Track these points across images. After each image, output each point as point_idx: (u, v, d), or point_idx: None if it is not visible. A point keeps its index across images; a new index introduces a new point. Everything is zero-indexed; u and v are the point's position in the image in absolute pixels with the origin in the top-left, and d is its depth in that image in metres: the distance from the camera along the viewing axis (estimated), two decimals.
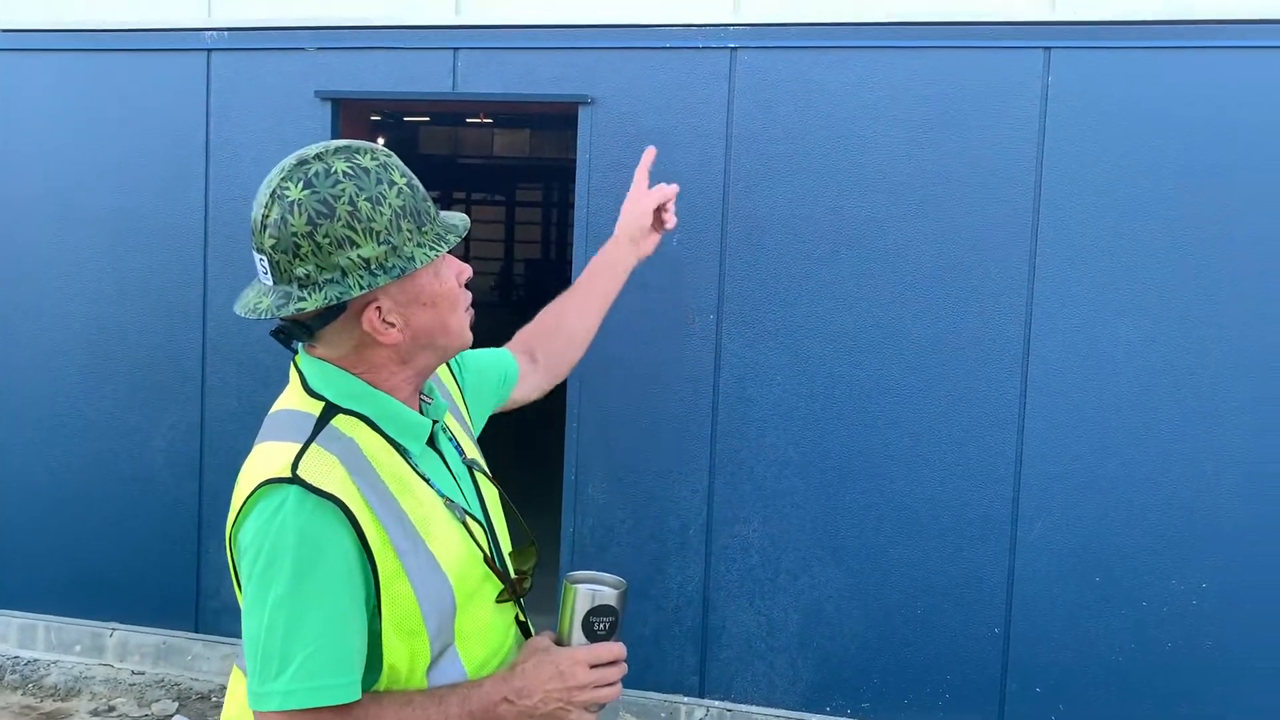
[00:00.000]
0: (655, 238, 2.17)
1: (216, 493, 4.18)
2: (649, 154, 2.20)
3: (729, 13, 3.66)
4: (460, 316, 1.48)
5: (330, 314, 1.39)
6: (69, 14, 4.24)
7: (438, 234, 1.41)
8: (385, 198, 1.37)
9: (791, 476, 3.67)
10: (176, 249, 4.19)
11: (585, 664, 1.43)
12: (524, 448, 5.67)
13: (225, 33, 4.09)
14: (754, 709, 3.75)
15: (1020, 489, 3.51)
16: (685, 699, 3.81)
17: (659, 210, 2.16)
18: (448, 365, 1.72)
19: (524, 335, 2.01)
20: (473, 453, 1.64)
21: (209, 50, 4.10)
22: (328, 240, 1.35)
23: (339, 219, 1.35)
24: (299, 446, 1.35)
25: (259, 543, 1.31)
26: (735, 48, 3.65)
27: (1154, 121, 3.36)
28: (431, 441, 1.53)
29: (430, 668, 1.40)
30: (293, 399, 1.45)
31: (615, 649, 1.46)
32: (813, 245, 3.62)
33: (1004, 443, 3.51)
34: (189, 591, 4.25)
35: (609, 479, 3.83)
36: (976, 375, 3.52)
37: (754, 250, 3.66)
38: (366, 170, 1.38)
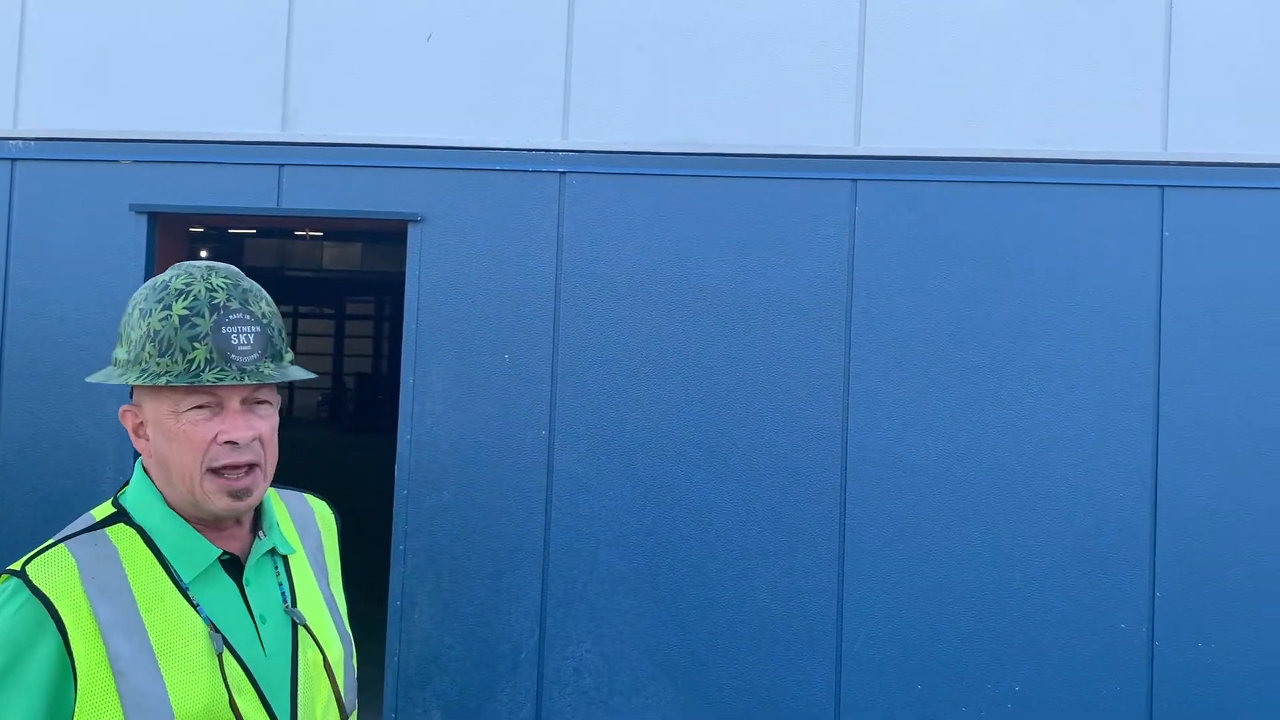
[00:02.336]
0: None
1: None
2: None
3: (558, 139, 3.77)
4: (192, 465, 1.41)
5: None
6: None
7: (177, 371, 1.39)
8: (151, 314, 1.42)
9: (624, 594, 3.66)
10: None
11: None
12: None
13: (33, 142, 3.93)
14: None
15: (843, 600, 3.60)
16: None
17: None
18: (336, 526, 1.67)
19: None
20: (315, 609, 1.54)
21: (14, 160, 3.92)
22: (120, 330, 1.48)
23: (124, 317, 1.47)
24: (51, 543, 1.38)
25: None
26: (564, 172, 3.75)
27: (944, 247, 3.63)
28: (239, 573, 1.46)
29: None
30: (108, 502, 1.49)
31: None
32: (641, 361, 3.69)
33: (827, 554, 3.61)
34: None
35: (437, 603, 3.72)
36: (800, 487, 3.63)
37: (585, 366, 3.71)
38: (166, 287, 1.44)
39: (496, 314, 3.74)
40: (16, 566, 1.35)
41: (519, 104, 3.80)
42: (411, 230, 3.79)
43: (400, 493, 3.74)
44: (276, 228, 11.88)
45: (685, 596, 3.64)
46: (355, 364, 19.04)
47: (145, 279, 3.85)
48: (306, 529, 1.60)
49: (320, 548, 1.62)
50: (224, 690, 1.37)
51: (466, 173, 3.79)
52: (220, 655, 1.38)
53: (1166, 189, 3.60)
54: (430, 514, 3.72)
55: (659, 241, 3.71)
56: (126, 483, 1.50)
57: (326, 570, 1.61)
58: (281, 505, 1.61)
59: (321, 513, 1.66)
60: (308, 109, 3.87)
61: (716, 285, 3.68)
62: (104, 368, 1.48)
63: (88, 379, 1.50)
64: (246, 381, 1.39)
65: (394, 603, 3.72)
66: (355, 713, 1.58)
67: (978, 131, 3.68)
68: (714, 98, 3.75)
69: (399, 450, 3.75)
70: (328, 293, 17.83)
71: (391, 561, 3.73)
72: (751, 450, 3.64)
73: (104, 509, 1.46)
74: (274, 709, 1.41)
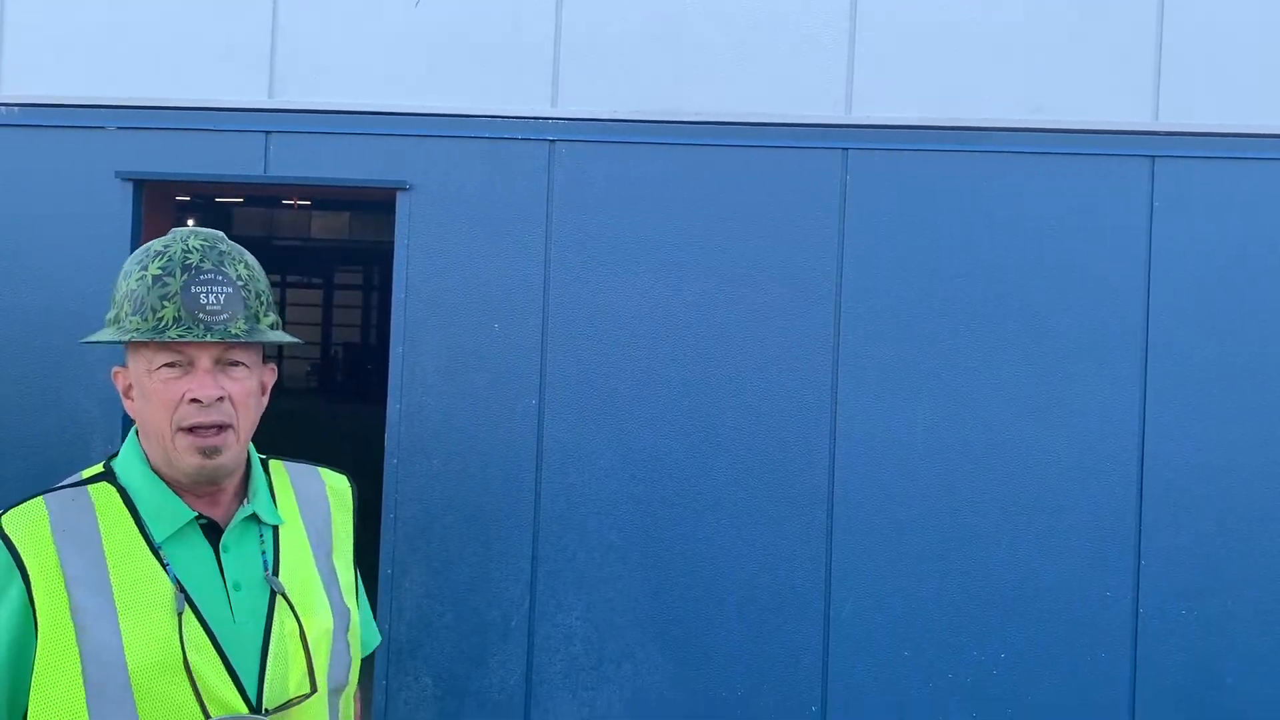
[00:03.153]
0: None
1: None
2: None
3: (547, 106, 3.75)
4: (163, 422, 1.43)
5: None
6: None
7: (145, 328, 1.41)
8: (130, 276, 1.46)
9: (614, 562, 3.68)
10: None
11: None
12: None
13: (16, 108, 3.88)
14: None
15: (831, 568, 3.63)
16: None
17: None
18: (351, 501, 1.66)
19: None
20: (302, 580, 1.52)
21: None
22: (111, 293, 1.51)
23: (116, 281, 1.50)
24: (32, 496, 1.43)
25: None
26: (554, 140, 3.73)
27: (935, 216, 3.63)
28: (218, 539, 1.46)
29: None
30: (100, 464, 1.52)
31: None
32: (632, 332, 3.69)
33: (815, 523, 3.63)
34: None
35: (428, 571, 3.73)
36: (788, 455, 3.64)
37: (575, 337, 3.70)
38: (149, 249, 1.47)
39: (486, 283, 3.73)
40: None
41: (508, 71, 3.77)
42: (400, 198, 3.77)
43: (390, 461, 3.74)
44: (264, 196, 11.80)
45: (674, 565, 3.66)
46: (344, 334, 18.99)
47: (133, 247, 3.82)
48: (312, 503, 1.59)
49: (328, 522, 1.60)
50: (179, 648, 1.37)
51: (455, 140, 3.76)
52: (180, 613, 1.38)
53: (1157, 159, 3.60)
54: (421, 483, 3.73)
55: (649, 210, 3.70)
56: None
57: (330, 544, 1.59)
58: (284, 477, 1.60)
59: (334, 486, 1.65)
60: (294, 75, 3.84)
61: (707, 254, 3.68)
62: (79, 341, 1.57)
63: (80, 341, 1.52)
64: (210, 339, 1.40)
65: (385, 571, 3.73)
66: (350, 689, 1.56)
67: (970, 101, 3.67)
68: (705, 65, 3.72)
69: (388, 419, 3.75)
70: (316, 262, 17.76)
71: (381, 530, 3.74)
72: (740, 419, 3.65)
73: (93, 469, 1.50)
74: (239, 674, 1.41)
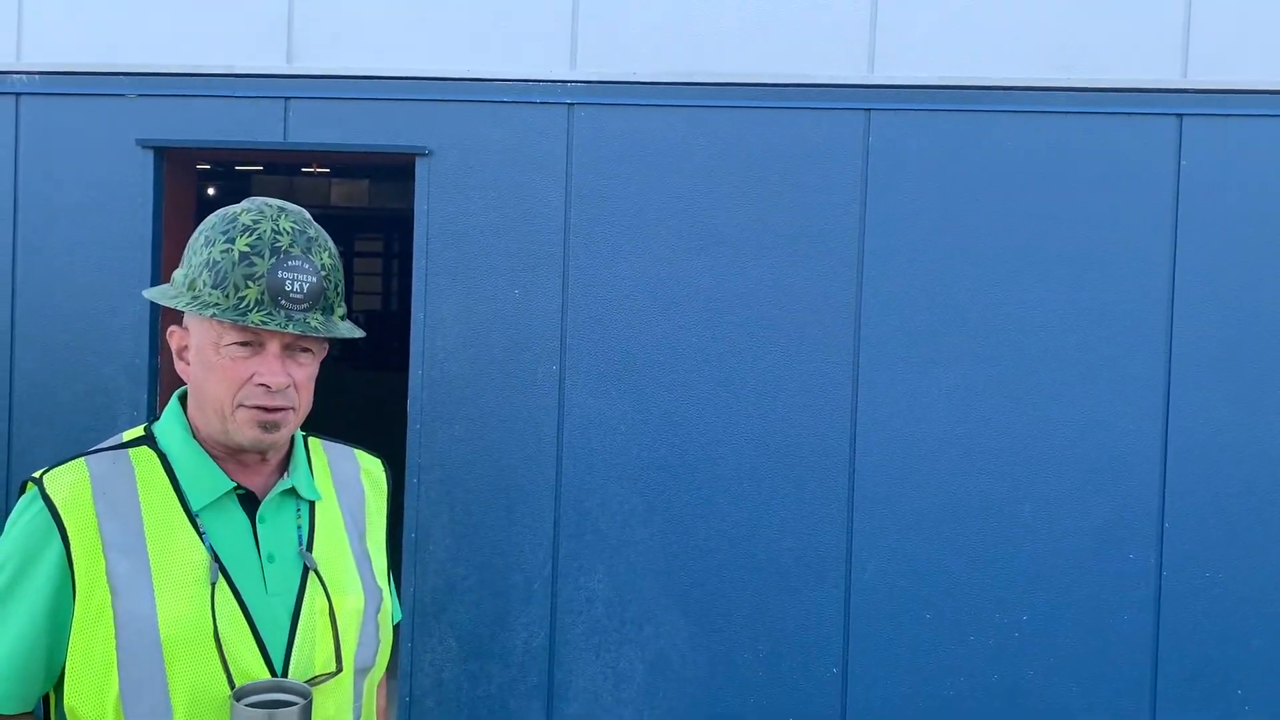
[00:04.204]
0: None
1: None
2: None
3: (566, 69, 3.72)
4: (225, 398, 1.42)
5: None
6: None
7: (226, 306, 1.39)
8: (214, 244, 1.42)
9: (636, 525, 3.69)
10: None
11: None
12: None
13: (38, 76, 3.89)
14: None
15: (853, 531, 3.63)
16: None
17: None
18: (386, 485, 1.66)
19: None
20: (335, 558, 1.52)
21: (18, 94, 3.89)
22: (185, 252, 1.50)
23: (191, 240, 1.48)
24: (75, 457, 1.44)
25: (3, 535, 1.42)
26: (572, 104, 3.71)
27: (958, 178, 3.59)
28: (255, 510, 1.47)
29: None
30: (141, 426, 1.53)
31: None
32: (653, 296, 3.68)
33: (837, 486, 3.63)
34: None
35: (451, 535, 3.76)
36: (809, 421, 3.64)
37: (595, 302, 3.70)
38: (235, 220, 1.44)
39: (506, 249, 3.73)
40: (38, 474, 1.42)
41: (526, 34, 3.74)
42: (419, 164, 3.76)
43: (413, 427, 3.76)
44: (283, 164, 11.82)
45: (696, 528, 3.67)
46: (365, 301, 19.07)
47: (155, 215, 3.84)
48: (347, 484, 1.60)
49: (361, 504, 1.60)
50: (210, 619, 1.38)
51: (474, 105, 3.74)
52: (214, 584, 1.39)
53: (1185, 117, 3.54)
54: (443, 448, 3.75)
55: (668, 174, 3.68)
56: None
57: (364, 526, 1.59)
58: (323, 456, 1.60)
59: (369, 469, 1.65)
60: (312, 41, 3.82)
61: (727, 218, 3.66)
62: (143, 294, 1.53)
63: (144, 293, 1.52)
64: (290, 330, 1.39)
65: (409, 535, 3.76)
66: (377, 672, 1.55)
67: (994, 59, 3.61)
68: (724, 26, 3.68)
69: (410, 385, 3.76)
70: (336, 230, 17.74)
71: (405, 495, 3.77)
72: (761, 383, 3.65)
73: (135, 431, 1.51)
74: (267, 647, 1.42)
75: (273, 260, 1.40)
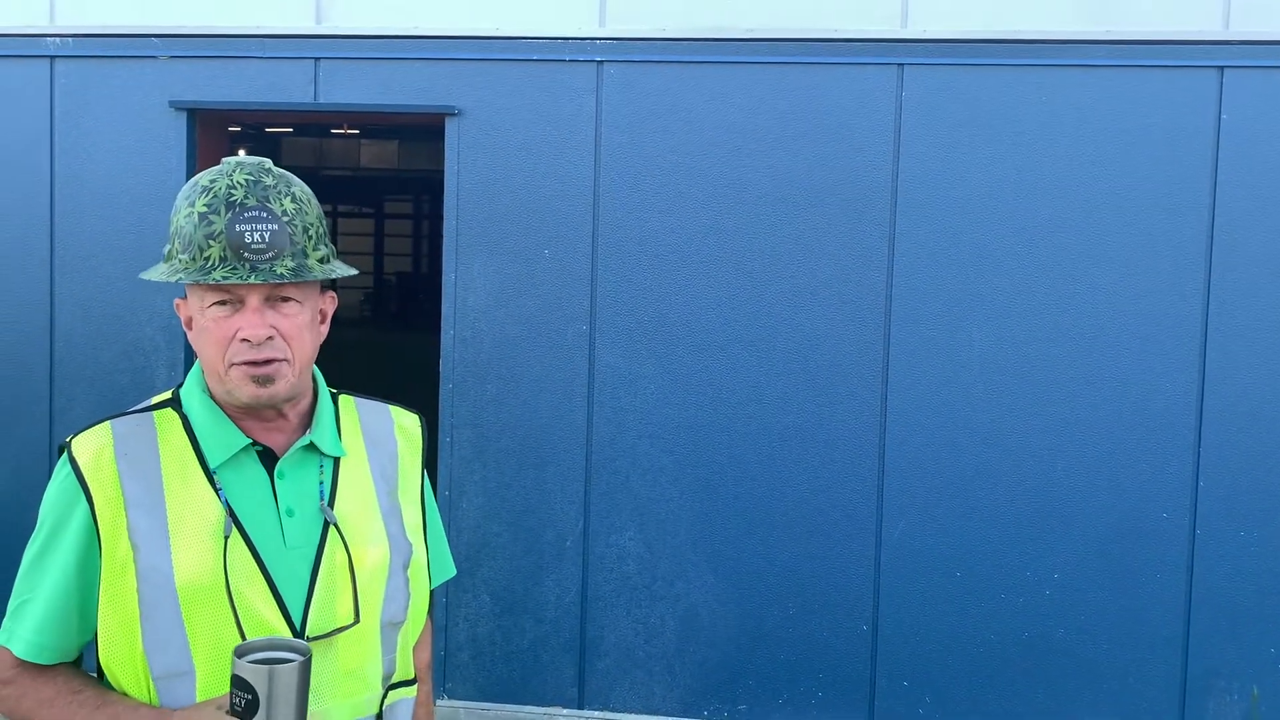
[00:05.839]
0: None
1: None
2: None
3: (595, 26, 3.70)
4: (216, 359, 1.44)
5: None
6: None
7: (193, 269, 1.40)
8: (179, 211, 1.45)
9: (666, 484, 3.71)
10: (19, 265, 3.97)
11: None
12: None
13: (70, 39, 3.91)
14: (633, 718, 3.77)
15: (884, 489, 3.63)
16: (564, 711, 3.81)
17: None
18: (421, 439, 1.66)
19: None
20: (359, 513, 1.52)
21: (52, 57, 3.92)
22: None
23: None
24: (102, 419, 1.50)
25: (45, 496, 1.47)
26: (601, 61, 3.69)
27: (992, 133, 3.54)
28: (272, 464, 1.49)
29: (159, 678, 1.40)
30: (170, 390, 1.58)
31: None
32: (683, 256, 3.68)
33: (867, 444, 3.63)
34: None
35: (484, 493, 3.81)
36: (840, 380, 3.63)
37: (625, 261, 3.70)
38: (197, 184, 1.45)
39: (536, 209, 3.73)
40: (69, 439, 1.48)
41: None
42: (449, 124, 3.76)
43: (446, 386, 3.79)
44: (314, 125, 11.83)
45: (725, 486, 3.69)
46: (395, 263, 19.11)
47: (187, 177, 3.87)
48: (379, 440, 1.60)
49: (394, 459, 1.60)
50: (223, 571, 1.41)
51: (503, 63, 3.73)
52: (227, 538, 1.42)
53: (1226, 69, 3.46)
54: (475, 407, 3.78)
55: (699, 132, 3.65)
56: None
57: (396, 481, 1.59)
58: (354, 413, 1.60)
59: (403, 424, 1.64)
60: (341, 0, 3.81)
61: (758, 176, 3.63)
62: (140, 276, 1.56)
63: (140, 275, 1.54)
64: (254, 280, 1.39)
65: (443, 493, 3.81)
66: (411, 625, 1.56)
67: (1029, 12, 3.55)
68: None
69: (443, 345, 3.79)
70: (366, 192, 17.81)
71: (439, 453, 3.81)
72: (792, 342, 3.64)
73: (163, 395, 1.56)
74: (285, 601, 1.44)
75: (229, 215, 1.40)
